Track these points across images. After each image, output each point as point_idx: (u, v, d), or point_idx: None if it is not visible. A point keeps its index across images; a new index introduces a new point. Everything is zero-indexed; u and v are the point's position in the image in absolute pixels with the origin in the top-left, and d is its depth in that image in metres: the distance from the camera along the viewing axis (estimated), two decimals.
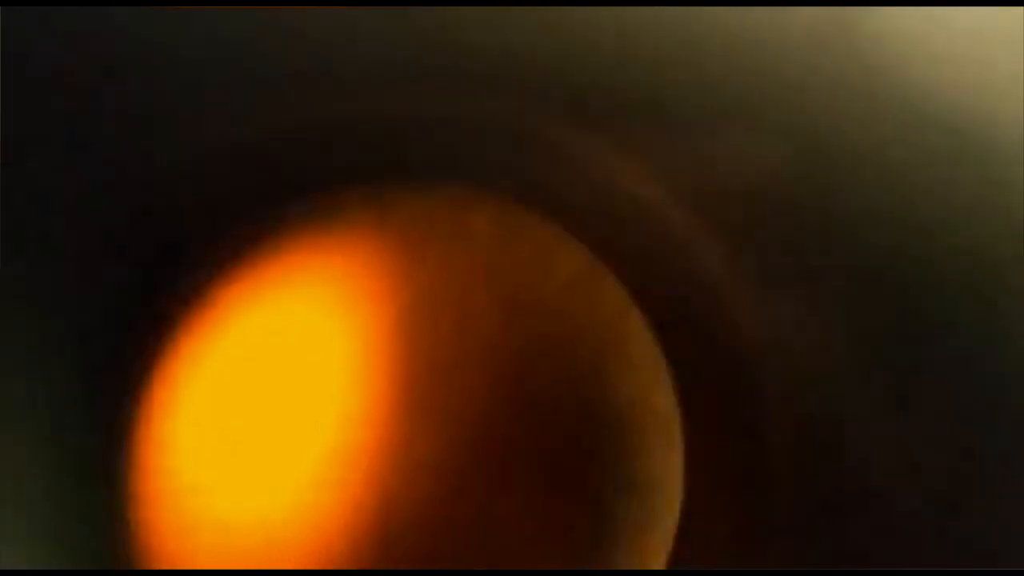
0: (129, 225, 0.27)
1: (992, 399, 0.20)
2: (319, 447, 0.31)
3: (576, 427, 0.31)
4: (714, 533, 0.28)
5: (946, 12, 0.17)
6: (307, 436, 0.31)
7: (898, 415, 0.22)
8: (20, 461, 0.24)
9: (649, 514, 0.30)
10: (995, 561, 0.20)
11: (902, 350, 0.22)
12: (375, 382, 0.31)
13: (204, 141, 0.26)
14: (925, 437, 0.22)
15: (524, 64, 0.22)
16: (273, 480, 0.30)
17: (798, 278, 0.24)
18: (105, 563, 0.28)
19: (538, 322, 0.31)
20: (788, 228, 0.23)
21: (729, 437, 0.28)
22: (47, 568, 0.26)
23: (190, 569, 0.30)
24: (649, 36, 0.20)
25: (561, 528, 0.30)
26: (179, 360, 0.30)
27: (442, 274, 0.30)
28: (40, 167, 0.23)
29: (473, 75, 0.23)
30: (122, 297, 0.27)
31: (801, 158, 0.22)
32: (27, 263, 0.24)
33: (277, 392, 0.31)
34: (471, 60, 0.22)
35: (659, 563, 0.30)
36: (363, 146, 0.28)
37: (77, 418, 0.27)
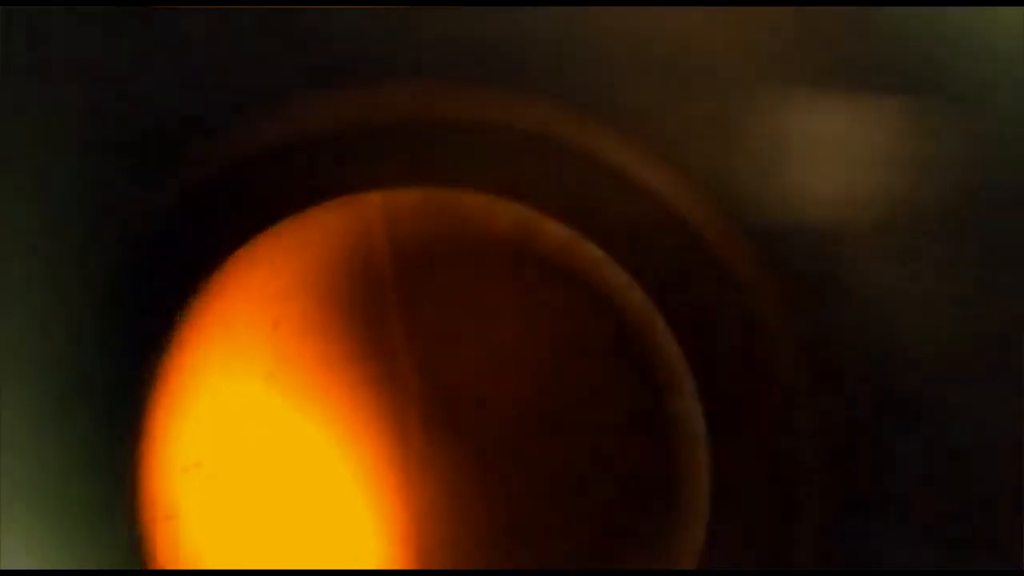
0: (132, 231, 0.27)
1: None
2: (337, 470, 0.30)
3: (599, 437, 0.30)
4: (741, 540, 0.28)
5: None
6: (322, 461, 0.30)
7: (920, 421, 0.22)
8: (30, 461, 0.24)
9: (675, 522, 0.30)
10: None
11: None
12: (391, 402, 0.30)
13: (216, 145, 0.25)
14: (945, 445, 0.22)
15: (554, 65, 0.22)
16: (282, 508, 0.30)
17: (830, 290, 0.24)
18: (112, 562, 0.28)
19: (562, 332, 0.30)
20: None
21: (754, 444, 0.28)
22: (50, 568, 0.25)
23: (190, 569, 0.30)
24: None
25: (587, 537, 0.30)
26: (190, 370, 0.30)
27: (462, 283, 0.30)
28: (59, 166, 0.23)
29: (503, 78, 0.23)
30: (138, 302, 0.27)
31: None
32: (38, 263, 0.23)
33: (286, 410, 0.30)
34: (501, 61, 0.22)
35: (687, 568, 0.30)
36: (382, 150, 0.28)
37: (88, 418, 0.27)
